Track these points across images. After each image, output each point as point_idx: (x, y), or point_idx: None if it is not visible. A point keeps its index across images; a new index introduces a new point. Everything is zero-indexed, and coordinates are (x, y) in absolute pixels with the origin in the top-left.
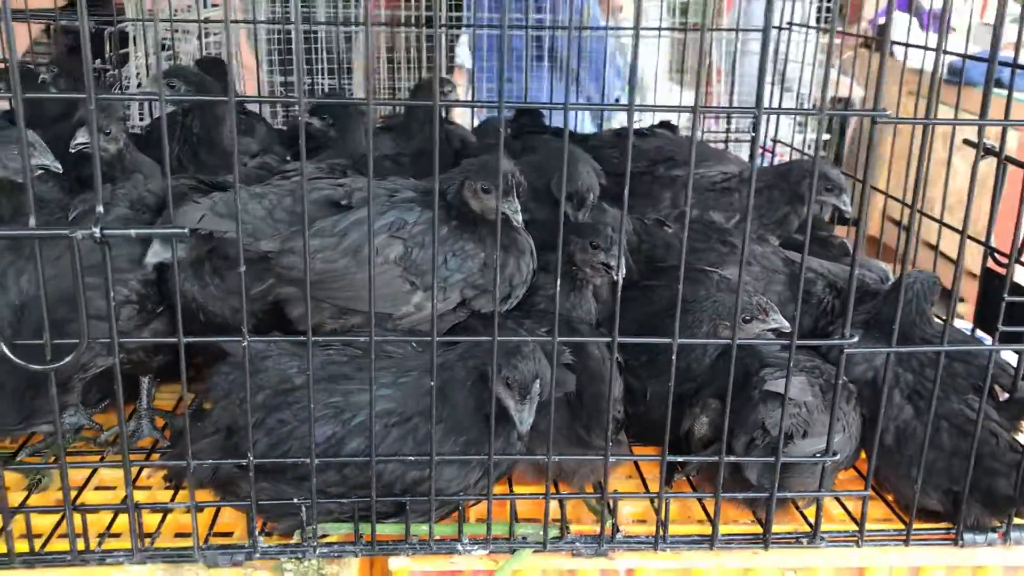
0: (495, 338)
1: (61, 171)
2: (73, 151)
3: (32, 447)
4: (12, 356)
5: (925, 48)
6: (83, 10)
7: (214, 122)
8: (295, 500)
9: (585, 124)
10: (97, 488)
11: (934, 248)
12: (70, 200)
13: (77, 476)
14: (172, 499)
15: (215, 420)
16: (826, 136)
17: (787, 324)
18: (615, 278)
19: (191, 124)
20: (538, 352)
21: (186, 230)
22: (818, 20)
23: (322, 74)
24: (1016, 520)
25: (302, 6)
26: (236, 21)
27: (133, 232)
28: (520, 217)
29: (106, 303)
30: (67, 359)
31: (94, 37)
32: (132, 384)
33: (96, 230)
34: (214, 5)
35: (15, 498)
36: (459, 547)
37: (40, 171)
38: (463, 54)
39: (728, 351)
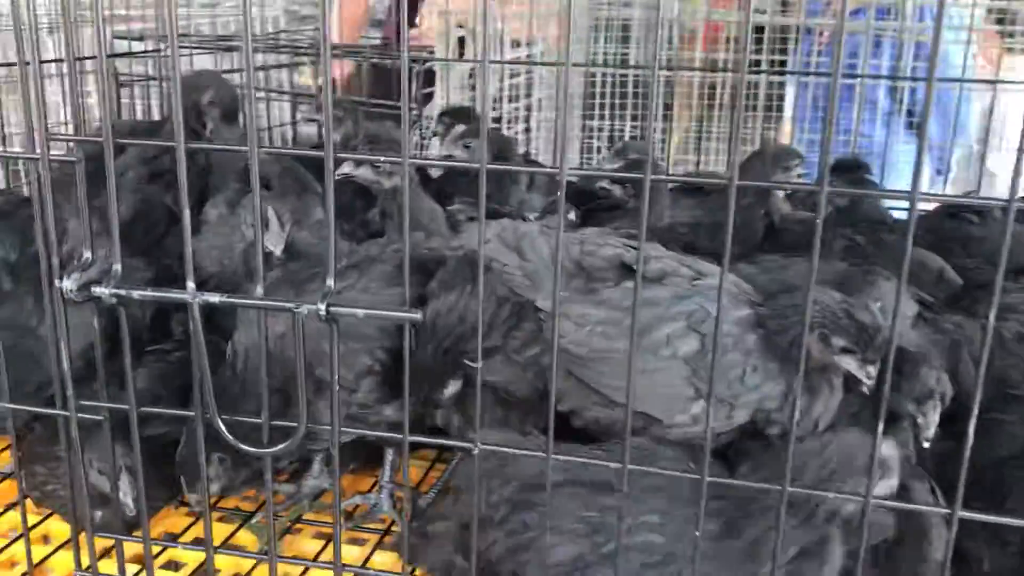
0: (784, 488)
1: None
2: (338, 177)
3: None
4: (228, 435)
5: None
6: (327, 55)
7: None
8: None
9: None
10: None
11: None
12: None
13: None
14: None
15: (452, 508)
16: None
17: None
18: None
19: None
20: None
21: (419, 317)
22: None
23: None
24: None
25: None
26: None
27: (361, 313)
28: (872, 382)
29: (335, 379)
30: (283, 444)
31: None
32: (376, 452)
33: (322, 306)
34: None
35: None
36: None
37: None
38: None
39: None
